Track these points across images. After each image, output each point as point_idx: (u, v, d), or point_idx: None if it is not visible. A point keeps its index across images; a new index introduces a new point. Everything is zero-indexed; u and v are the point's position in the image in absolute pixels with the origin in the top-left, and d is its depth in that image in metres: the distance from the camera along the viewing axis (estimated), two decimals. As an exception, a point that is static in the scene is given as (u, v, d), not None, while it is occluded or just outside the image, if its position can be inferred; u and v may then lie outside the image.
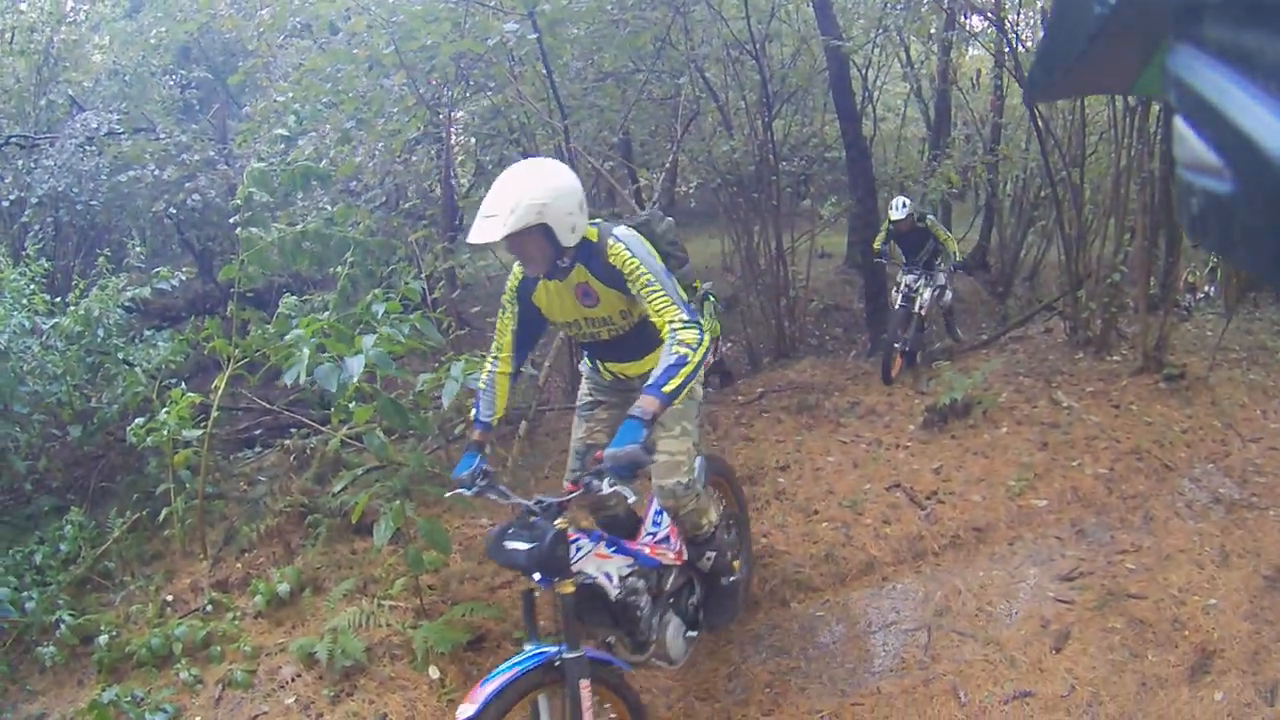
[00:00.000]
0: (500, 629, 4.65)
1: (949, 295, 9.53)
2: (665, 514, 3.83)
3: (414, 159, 7.57)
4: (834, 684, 4.29)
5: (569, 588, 3.14)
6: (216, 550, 5.73)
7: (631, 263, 3.28)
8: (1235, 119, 0.54)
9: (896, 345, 8.52)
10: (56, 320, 6.36)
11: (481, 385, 3.74)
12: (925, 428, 6.95)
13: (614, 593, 3.44)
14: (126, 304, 6.67)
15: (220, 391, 5.55)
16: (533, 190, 3.08)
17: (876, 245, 9.57)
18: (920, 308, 8.82)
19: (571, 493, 3.17)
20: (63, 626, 4.88)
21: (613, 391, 4.07)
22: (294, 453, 6.65)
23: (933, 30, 11.25)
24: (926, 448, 6.61)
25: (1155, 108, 7.36)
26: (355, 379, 4.12)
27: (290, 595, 5.03)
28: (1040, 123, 8.88)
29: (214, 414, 5.56)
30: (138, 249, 7.89)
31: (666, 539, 3.82)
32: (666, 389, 3.06)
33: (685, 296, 3.32)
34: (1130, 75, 0.75)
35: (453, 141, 8.78)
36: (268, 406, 7.32)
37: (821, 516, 5.71)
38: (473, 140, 10.45)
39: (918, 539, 5.44)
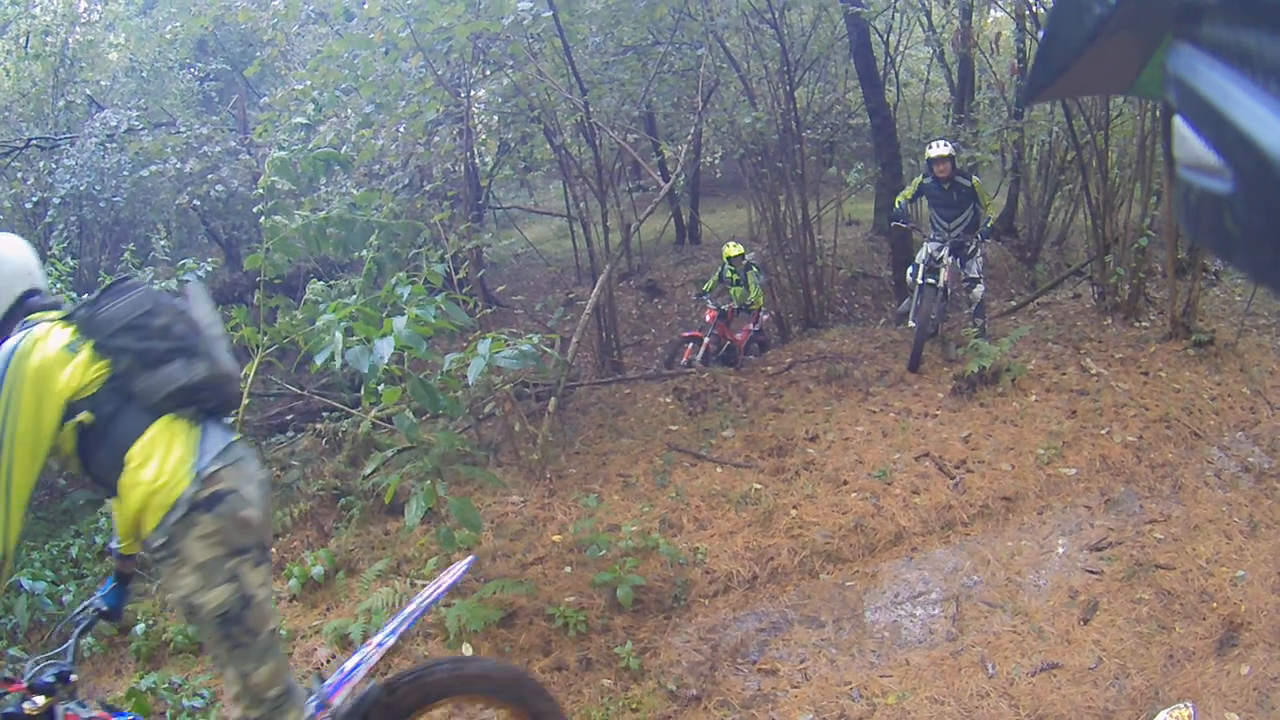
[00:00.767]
0: (532, 605, 4.71)
1: (980, 289, 8.25)
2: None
3: (436, 140, 7.58)
4: (863, 655, 4.32)
5: None
6: (251, 535, 5.82)
7: None
8: (1235, 119, 0.54)
9: (927, 330, 7.79)
10: (85, 317, 6.43)
11: None
12: (954, 396, 6.92)
13: None
14: (154, 297, 6.74)
15: (250, 379, 5.62)
16: None
17: (901, 198, 8.36)
18: (944, 283, 7.86)
19: None
20: (100, 617, 4.99)
21: None
22: (326, 436, 6.74)
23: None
24: (955, 416, 6.59)
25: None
26: (386, 360, 4.15)
27: (325, 577, 5.12)
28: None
29: (245, 401, 5.64)
30: (163, 242, 7.99)
31: None
32: None
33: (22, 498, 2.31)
34: (1130, 75, 0.75)
35: (474, 121, 8.77)
36: (299, 392, 7.41)
37: (851, 487, 5.72)
38: (495, 119, 10.43)
39: (947, 509, 5.44)
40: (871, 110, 10.68)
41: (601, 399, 7.68)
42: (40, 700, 2.33)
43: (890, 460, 5.97)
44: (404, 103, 6.84)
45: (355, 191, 6.87)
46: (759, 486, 5.79)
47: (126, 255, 7.38)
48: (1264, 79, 0.53)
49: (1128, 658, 3.96)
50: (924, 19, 13.37)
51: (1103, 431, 6.05)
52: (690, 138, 10.32)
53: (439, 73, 6.73)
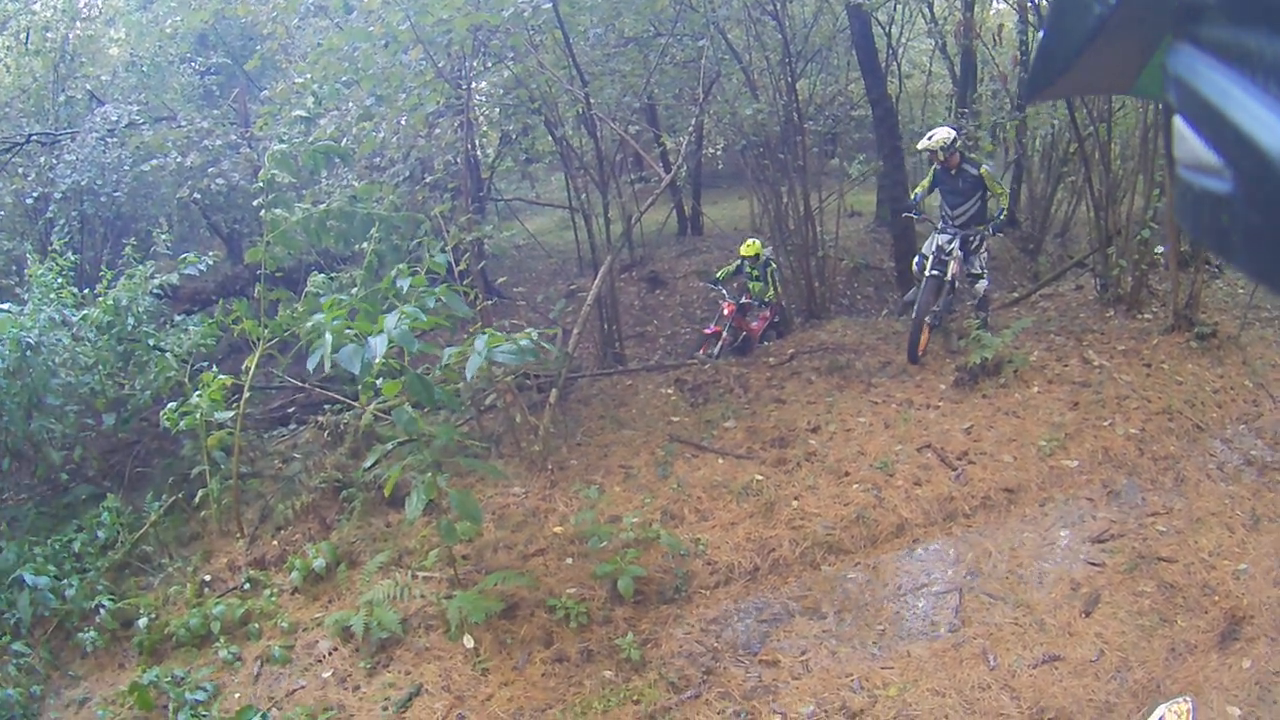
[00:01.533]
0: (534, 597, 4.72)
1: (984, 284, 8.14)
2: None
3: (437, 132, 7.57)
4: (864, 647, 4.33)
5: None
6: (253, 529, 5.85)
7: None
8: (1235, 119, 0.54)
9: (926, 319, 7.68)
10: (86, 311, 6.46)
11: None
12: (956, 387, 6.91)
13: None
14: (155, 291, 6.75)
15: (252, 372, 5.63)
16: None
17: (919, 189, 8.22)
18: (951, 276, 7.75)
19: None
20: (103, 611, 5.01)
21: None
22: (327, 429, 6.74)
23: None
24: (958, 407, 6.59)
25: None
26: (379, 358, 4.14)
27: (326, 570, 5.13)
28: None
29: (246, 394, 5.65)
30: (164, 236, 7.98)
31: None
32: None
33: None
34: (1130, 75, 0.75)
35: (475, 113, 8.75)
36: (299, 385, 7.40)
37: (852, 478, 5.72)
38: (496, 111, 10.41)
39: (949, 500, 5.44)
40: (873, 102, 10.64)
41: (603, 390, 7.68)
42: None
43: (892, 451, 5.96)
44: (404, 95, 6.83)
45: (356, 184, 6.87)
46: (760, 478, 5.79)
47: (128, 250, 7.37)
48: (1264, 79, 0.52)
49: (1129, 650, 3.97)
50: (926, 10, 13.35)
51: (1105, 423, 6.04)
52: (692, 129, 10.28)
53: (439, 65, 6.72)
